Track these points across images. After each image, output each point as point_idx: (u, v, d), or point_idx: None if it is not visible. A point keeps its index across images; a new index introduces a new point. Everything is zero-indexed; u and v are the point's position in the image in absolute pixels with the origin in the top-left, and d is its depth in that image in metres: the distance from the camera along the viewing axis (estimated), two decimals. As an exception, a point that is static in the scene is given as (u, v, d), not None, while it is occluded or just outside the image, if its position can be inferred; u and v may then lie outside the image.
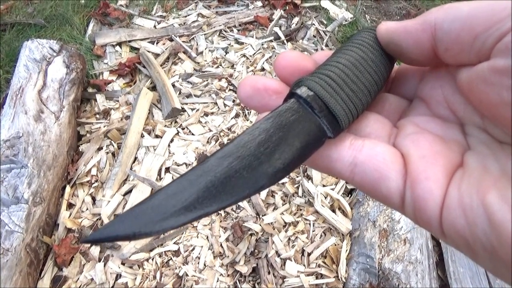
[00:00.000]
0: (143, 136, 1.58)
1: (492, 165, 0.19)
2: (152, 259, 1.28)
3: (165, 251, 1.30)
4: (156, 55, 1.89)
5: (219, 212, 1.37)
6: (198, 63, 1.89)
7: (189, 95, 1.73)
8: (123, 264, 1.27)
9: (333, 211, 1.37)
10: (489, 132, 0.21)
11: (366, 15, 2.32)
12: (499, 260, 0.17)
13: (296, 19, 2.13)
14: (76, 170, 1.47)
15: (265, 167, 0.20)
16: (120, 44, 1.94)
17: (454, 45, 0.20)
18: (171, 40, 1.98)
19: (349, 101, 0.23)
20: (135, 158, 1.52)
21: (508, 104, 0.17)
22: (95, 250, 1.29)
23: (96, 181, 1.46)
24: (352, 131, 0.25)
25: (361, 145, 0.23)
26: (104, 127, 1.60)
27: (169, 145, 1.55)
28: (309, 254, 1.29)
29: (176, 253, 1.31)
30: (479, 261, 0.19)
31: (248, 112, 1.67)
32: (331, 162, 0.23)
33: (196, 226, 1.36)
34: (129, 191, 1.41)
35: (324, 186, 1.42)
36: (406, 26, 0.23)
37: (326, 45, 2.00)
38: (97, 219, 1.37)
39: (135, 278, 1.24)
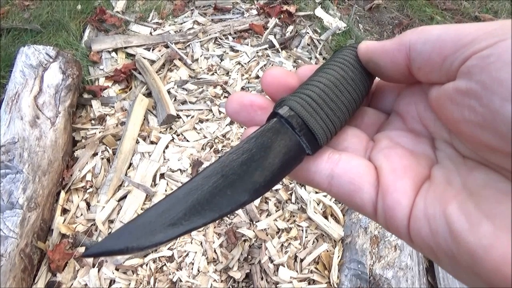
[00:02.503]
0: (138, 142, 1.59)
1: (455, 179, 0.21)
2: (146, 265, 1.29)
3: (159, 257, 1.31)
4: (152, 62, 1.91)
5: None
6: (194, 70, 1.91)
7: (184, 102, 1.75)
8: (117, 269, 1.28)
9: (326, 217, 1.39)
10: (455, 147, 0.23)
11: (360, 24, 2.36)
12: (458, 265, 0.19)
13: (290, 28, 2.16)
14: (71, 175, 1.47)
15: (246, 185, 0.22)
16: (116, 50, 1.96)
17: (425, 65, 0.22)
18: (166, 47, 2.00)
19: (328, 120, 0.25)
20: (130, 164, 1.53)
21: (469, 121, 0.19)
22: (89, 256, 1.29)
23: (91, 186, 1.46)
24: (330, 145, 0.27)
25: (338, 159, 0.25)
26: (99, 133, 1.61)
27: (164, 151, 1.56)
28: (301, 260, 1.31)
29: (170, 258, 1.32)
30: (442, 265, 0.21)
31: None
32: (310, 175, 0.25)
33: (190, 232, 1.37)
34: (123, 197, 1.42)
35: (316, 193, 1.44)
36: (384, 46, 0.25)
37: (320, 54, 2.04)
38: (92, 225, 1.37)
39: (129, 283, 1.25)
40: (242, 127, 1.66)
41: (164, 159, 1.55)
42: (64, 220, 1.38)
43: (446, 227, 0.19)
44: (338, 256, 1.30)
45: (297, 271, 1.28)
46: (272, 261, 1.29)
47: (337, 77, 0.26)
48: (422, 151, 0.25)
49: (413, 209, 0.21)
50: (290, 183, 1.48)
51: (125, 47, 1.96)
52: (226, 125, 1.66)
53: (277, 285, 1.25)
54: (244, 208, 1.41)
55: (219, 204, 0.21)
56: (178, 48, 1.98)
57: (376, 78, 0.29)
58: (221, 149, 1.58)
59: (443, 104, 0.21)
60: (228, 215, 1.40)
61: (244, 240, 1.34)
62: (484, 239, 0.17)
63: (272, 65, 1.93)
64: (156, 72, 1.84)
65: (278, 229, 1.37)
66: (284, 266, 1.28)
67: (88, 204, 1.43)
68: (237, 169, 0.23)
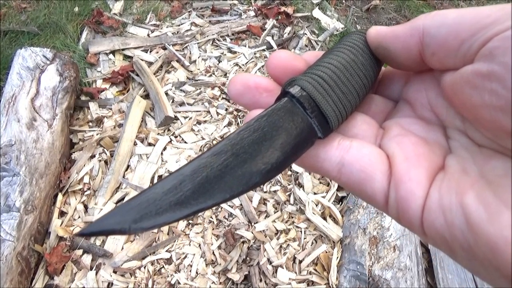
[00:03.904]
0: (136, 144, 1.58)
1: (471, 168, 0.20)
2: (144, 267, 1.29)
3: (157, 259, 1.30)
4: (150, 64, 1.90)
5: (211, 220, 1.38)
6: (191, 71, 1.91)
7: (182, 104, 1.75)
8: (115, 272, 1.27)
9: (324, 218, 1.39)
10: (469, 136, 0.22)
11: (357, 25, 2.36)
12: (475, 258, 0.18)
13: (288, 29, 2.16)
14: (69, 178, 1.47)
15: (258, 165, 0.21)
16: (113, 52, 1.95)
17: (440, 50, 0.21)
18: (164, 48, 2.00)
19: (340, 103, 0.24)
20: (128, 166, 1.52)
21: (490, 106, 0.18)
22: (86, 258, 1.29)
23: (89, 189, 1.46)
24: (340, 131, 0.26)
25: (349, 146, 0.23)
26: (97, 135, 1.60)
27: (162, 153, 1.56)
28: (300, 262, 1.31)
29: (168, 261, 1.31)
30: (457, 259, 0.20)
31: (240, 121, 1.69)
32: (319, 162, 0.24)
33: (188, 234, 1.37)
34: (121, 199, 1.42)
35: (315, 194, 1.44)
36: (395, 31, 0.24)
37: (318, 55, 2.03)
38: (89, 227, 1.36)
39: (127, 286, 1.24)
40: (240, 129, 1.65)
41: (162, 161, 1.54)
42: (62, 223, 1.37)
43: (463, 218, 0.18)
44: (337, 257, 1.30)
45: (296, 273, 1.28)
46: (270, 263, 1.29)
47: (347, 60, 0.25)
48: (435, 139, 0.24)
49: (427, 200, 0.20)
50: (288, 184, 1.47)
51: (123, 49, 1.96)
52: (224, 127, 1.66)
53: (276, 287, 1.24)
54: (242, 209, 1.41)
55: (230, 184, 0.20)
56: (176, 50, 1.98)
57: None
58: (222, 139, 1.58)
59: (460, 89, 0.20)
60: (226, 217, 1.39)
61: (243, 242, 1.34)
62: (505, 230, 0.16)
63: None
64: (154, 74, 1.84)
65: (277, 230, 1.36)
66: (282, 268, 1.28)
67: (86, 207, 1.43)
68: (248, 148, 0.21)
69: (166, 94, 1.76)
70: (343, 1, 2.52)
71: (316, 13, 2.24)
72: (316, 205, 1.41)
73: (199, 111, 1.73)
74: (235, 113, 1.71)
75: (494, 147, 0.20)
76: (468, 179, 0.19)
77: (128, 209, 0.18)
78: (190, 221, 1.39)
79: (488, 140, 0.21)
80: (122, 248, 1.30)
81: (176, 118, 1.69)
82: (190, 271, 1.28)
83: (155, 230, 1.35)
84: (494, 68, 0.18)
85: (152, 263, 1.30)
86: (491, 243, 0.17)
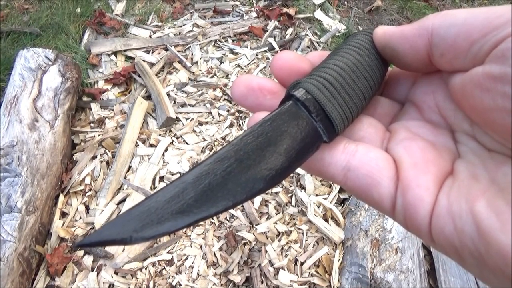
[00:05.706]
0: (138, 145, 1.58)
1: (481, 174, 0.20)
2: (145, 269, 1.28)
3: (158, 261, 1.30)
4: (151, 65, 1.91)
5: (213, 221, 1.38)
6: (193, 72, 1.91)
7: (183, 105, 1.75)
8: (116, 273, 1.27)
9: (326, 220, 1.38)
10: (478, 140, 0.22)
11: (359, 27, 2.36)
12: (486, 266, 0.17)
13: (290, 30, 2.16)
14: (70, 179, 1.47)
15: (262, 171, 0.20)
16: (115, 53, 1.95)
17: (449, 50, 0.21)
18: (166, 49, 2.00)
19: (345, 106, 0.23)
20: (129, 167, 1.52)
21: (502, 110, 0.18)
22: (88, 260, 1.28)
23: (90, 190, 1.46)
24: (345, 134, 0.25)
25: (355, 150, 0.23)
26: (98, 136, 1.60)
27: (163, 154, 1.56)
28: (302, 264, 1.30)
29: (170, 262, 1.31)
30: (466, 266, 0.19)
31: (242, 122, 1.68)
32: (324, 166, 0.24)
33: (190, 235, 1.36)
34: (123, 200, 1.41)
35: (317, 195, 1.43)
36: (403, 30, 0.23)
37: (320, 56, 2.03)
38: (91, 228, 1.37)
39: (128, 287, 1.24)
40: (242, 130, 1.65)
41: (164, 162, 1.54)
42: (63, 224, 1.37)
43: (473, 226, 0.18)
44: (339, 259, 1.29)
45: (297, 275, 1.27)
46: (272, 265, 1.28)
47: (353, 62, 0.25)
48: (443, 144, 0.23)
49: (436, 206, 0.20)
50: (290, 186, 1.47)
51: (125, 50, 1.96)
52: (226, 128, 1.66)
53: (277, 289, 1.24)
54: (243, 210, 1.40)
55: (233, 191, 0.19)
56: (178, 51, 1.98)
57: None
58: (225, 145, 1.58)
59: (470, 91, 0.20)
60: (227, 218, 1.39)
61: (244, 244, 1.33)
62: None
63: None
64: (156, 75, 1.84)
65: (278, 232, 1.36)
66: (284, 270, 1.27)
67: (87, 208, 1.42)
68: (252, 154, 0.21)
69: (168, 95, 1.76)
70: (345, 2, 2.52)
71: (318, 14, 2.24)
72: (318, 207, 1.41)
73: (201, 112, 1.73)
74: (236, 114, 1.71)
75: (505, 152, 0.20)
76: (478, 185, 0.19)
77: (129, 219, 0.18)
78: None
79: (498, 145, 0.20)
80: (123, 249, 1.30)
81: (178, 119, 1.69)
82: (191, 272, 1.28)
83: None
84: (507, 70, 0.17)
85: (153, 265, 1.29)
86: (503, 252, 0.16)
